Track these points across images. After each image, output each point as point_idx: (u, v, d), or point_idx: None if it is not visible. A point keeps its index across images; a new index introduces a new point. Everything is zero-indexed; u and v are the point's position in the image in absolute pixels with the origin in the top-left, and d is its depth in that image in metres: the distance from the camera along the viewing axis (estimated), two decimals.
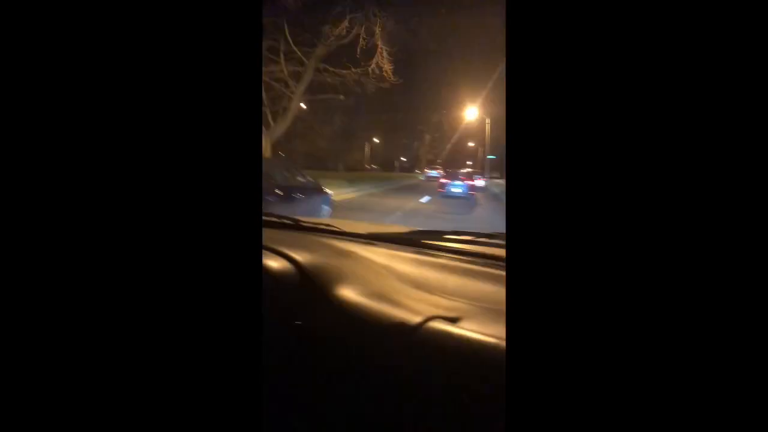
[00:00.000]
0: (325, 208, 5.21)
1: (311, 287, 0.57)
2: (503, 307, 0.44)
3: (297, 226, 0.96)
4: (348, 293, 0.55)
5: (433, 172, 25.21)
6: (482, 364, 0.40)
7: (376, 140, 35.19)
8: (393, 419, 0.45)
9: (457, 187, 9.97)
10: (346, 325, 0.51)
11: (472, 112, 23.83)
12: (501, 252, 0.74)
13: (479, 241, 0.85)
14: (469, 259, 0.75)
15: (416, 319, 0.47)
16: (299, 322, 0.55)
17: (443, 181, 10.02)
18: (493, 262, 0.72)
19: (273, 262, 0.59)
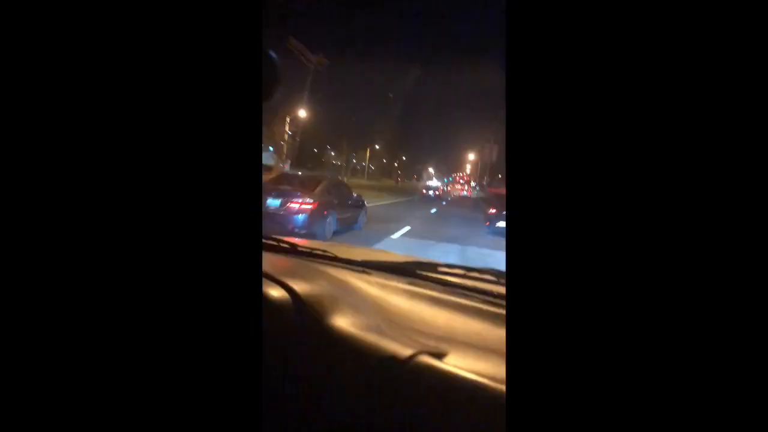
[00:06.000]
0: (363, 219, 7.06)
1: (307, 317, 0.57)
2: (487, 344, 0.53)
3: (294, 251, 0.99)
4: (341, 324, 0.55)
5: None
6: (468, 404, 0.41)
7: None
8: None
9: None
10: (337, 356, 0.51)
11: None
12: (491, 287, 0.81)
13: (470, 276, 0.90)
14: (459, 291, 0.80)
15: (406, 353, 0.48)
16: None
17: (492, 211, 9.72)
18: (482, 296, 0.77)
19: (273, 291, 0.59)
